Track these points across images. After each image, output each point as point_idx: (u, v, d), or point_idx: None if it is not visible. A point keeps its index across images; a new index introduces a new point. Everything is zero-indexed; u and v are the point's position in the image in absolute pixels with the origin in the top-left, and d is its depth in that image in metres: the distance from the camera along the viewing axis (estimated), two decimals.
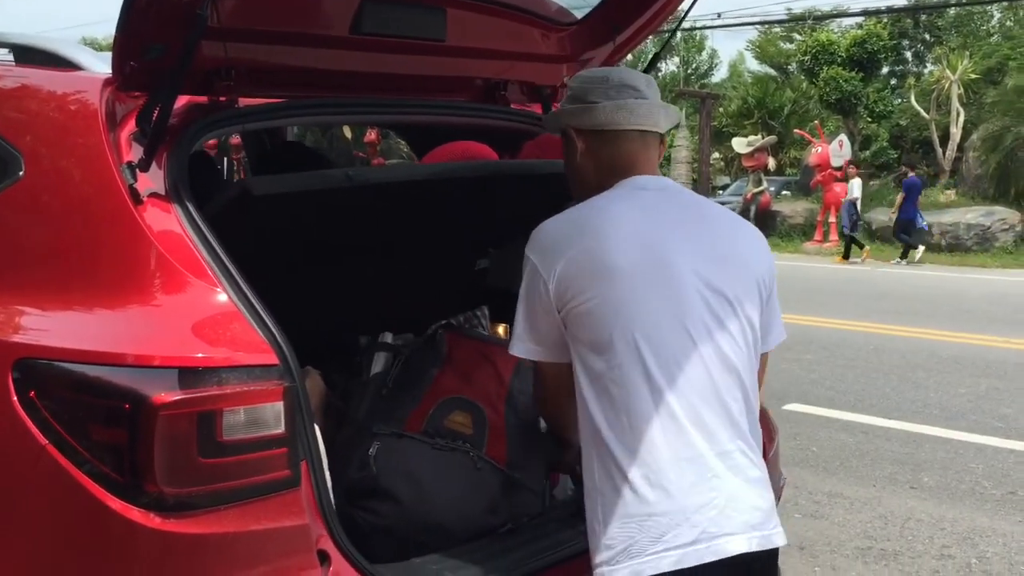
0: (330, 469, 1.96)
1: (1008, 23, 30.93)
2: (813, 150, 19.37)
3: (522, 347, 1.80)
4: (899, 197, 17.64)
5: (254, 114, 2.16)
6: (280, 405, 1.61)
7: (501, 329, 3.06)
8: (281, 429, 1.61)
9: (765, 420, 2.69)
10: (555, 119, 1.96)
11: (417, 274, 3.03)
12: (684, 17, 2.95)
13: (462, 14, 2.48)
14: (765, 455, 2.61)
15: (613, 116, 1.83)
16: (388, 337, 2.73)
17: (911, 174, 17.89)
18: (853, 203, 17.56)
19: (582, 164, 1.89)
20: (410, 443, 2.22)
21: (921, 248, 16.90)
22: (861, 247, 17.30)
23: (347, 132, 22.97)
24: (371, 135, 20.47)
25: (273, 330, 1.69)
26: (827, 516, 4.33)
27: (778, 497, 2.79)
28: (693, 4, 2.63)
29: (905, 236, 17.22)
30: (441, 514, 2.11)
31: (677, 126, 26.55)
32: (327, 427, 2.37)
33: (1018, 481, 4.87)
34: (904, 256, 16.94)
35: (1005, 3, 30.52)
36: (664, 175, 1.91)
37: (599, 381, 1.66)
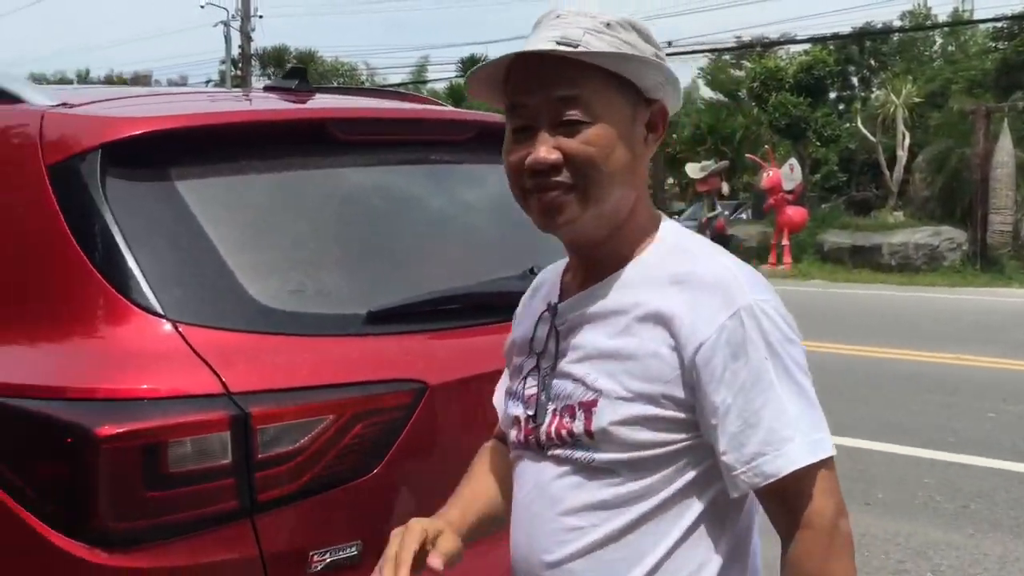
0: None
1: (950, 48, 31.81)
2: (765, 174, 19.64)
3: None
4: None
5: None
6: (227, 435, 1.59)
7: None
8: (228, 459, 1.60)
9: None
10: (660, 74, 1.24)
11: None
12: None
13: None
14: None
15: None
16: None
17: None
18: None
19: (641, 168, 1.29)
20: None
21: None
22: None
23: None
24: None
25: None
26: None
27: None
28: None
29: None
30: None
31: None
32: None
33: (969, 494, 4.96)
34: None
35: (947, 29, 31.41)
36: None
37: None
